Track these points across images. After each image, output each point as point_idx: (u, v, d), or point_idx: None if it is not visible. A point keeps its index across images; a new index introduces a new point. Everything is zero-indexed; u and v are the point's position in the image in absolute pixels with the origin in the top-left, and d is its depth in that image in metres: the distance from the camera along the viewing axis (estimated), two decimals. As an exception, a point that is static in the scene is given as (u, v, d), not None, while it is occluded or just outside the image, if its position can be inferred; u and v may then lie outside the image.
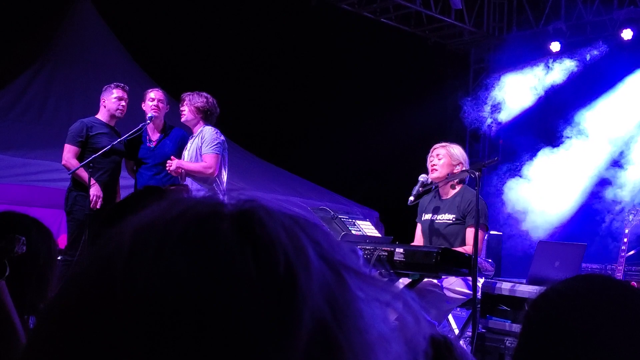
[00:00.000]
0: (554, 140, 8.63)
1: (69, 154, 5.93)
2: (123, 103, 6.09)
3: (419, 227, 5.20)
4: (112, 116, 6.10)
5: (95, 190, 5.76)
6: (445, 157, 4.98)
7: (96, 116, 6.13)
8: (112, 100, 6.08)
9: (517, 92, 9.38)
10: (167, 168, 5.81)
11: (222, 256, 0.50)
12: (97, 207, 5.73)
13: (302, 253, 0.51)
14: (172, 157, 5.87)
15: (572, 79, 9.15)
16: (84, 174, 5.78)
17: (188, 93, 5.94)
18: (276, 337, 0.48)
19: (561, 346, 1.25)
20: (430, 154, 5.12)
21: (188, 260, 0.49)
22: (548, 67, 9.33)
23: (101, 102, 6.14)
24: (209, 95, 5.94)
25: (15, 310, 1.66)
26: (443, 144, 5.11)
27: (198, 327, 0.48)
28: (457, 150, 5.07)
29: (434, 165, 5.00)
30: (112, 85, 6.14)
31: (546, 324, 1.29)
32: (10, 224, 1.94)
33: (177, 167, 5.75)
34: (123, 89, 6.13)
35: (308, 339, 0.49)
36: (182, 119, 5.97)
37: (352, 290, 0.52)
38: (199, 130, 5.88)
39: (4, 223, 1.94)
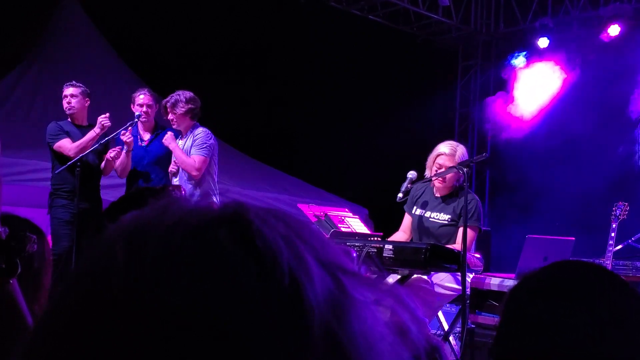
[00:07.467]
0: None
1: (67, 144, 5.88)
2: (68, 100, 6.03)
3: (407, 216, 5.11)
4: (69, 116, 6.05)
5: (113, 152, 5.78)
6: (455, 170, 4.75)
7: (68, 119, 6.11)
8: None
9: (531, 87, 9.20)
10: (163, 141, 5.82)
11: (224, 270, 0.49)
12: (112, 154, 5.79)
13: (303, 262, 0.50)
14: (165, 138, 5.85)
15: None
16: (88, 136, 5.77)
17: (166, 100, 5.87)
18: (287, 351, 0.48)
19: (536, 333, 1.25)
20: (437, 161, 4.84)
21: (190, 274, 0.48)
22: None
23: None
24: (181, 92, 5.84)
25: (28, 311, 1.63)
26: (448, 150, 4.80)
27: (206, 343, 0.46)
28: (465, 154, 4.86)
29: (444, 179, 4.81)
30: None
31: (520, 311, 1.29)
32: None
33: (169, 143, 5.76)
34: (71, 85, 6.07)
35: (317, 348, 0.48)
36: (175, 127, 5.95)
37: (351, 294, 0.52)
38: (190, 131, 5.90)
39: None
